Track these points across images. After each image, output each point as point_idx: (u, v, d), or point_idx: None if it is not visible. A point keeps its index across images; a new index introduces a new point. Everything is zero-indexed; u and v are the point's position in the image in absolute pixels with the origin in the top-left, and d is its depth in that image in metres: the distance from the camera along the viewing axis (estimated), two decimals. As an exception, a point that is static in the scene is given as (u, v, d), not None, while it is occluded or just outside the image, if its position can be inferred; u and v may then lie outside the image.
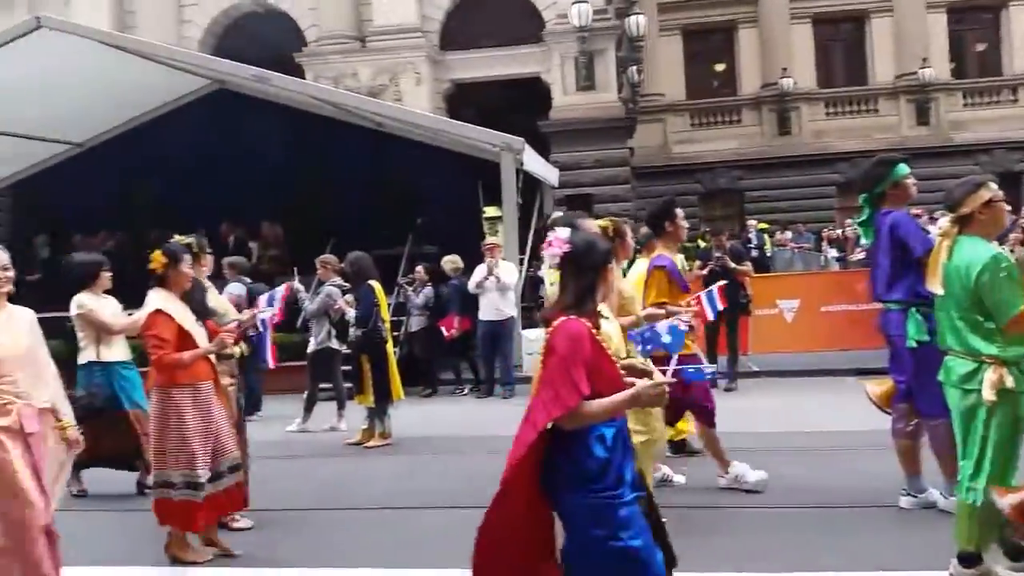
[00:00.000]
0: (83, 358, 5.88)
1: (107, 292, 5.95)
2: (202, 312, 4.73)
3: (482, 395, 10.13)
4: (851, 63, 23.24)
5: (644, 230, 5.86)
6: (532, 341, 10.97)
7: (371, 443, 7.46)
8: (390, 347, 7.78)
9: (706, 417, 5.28)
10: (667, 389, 2.59)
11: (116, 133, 14.88)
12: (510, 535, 2.66)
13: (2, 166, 15.00)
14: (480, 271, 9.87)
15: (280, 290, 6.03)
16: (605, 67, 17.79)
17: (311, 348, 8.45)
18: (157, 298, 4.48)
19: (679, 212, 5.36)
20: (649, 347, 2.99)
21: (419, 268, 10.56)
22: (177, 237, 4.68)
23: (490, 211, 12.57)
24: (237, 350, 5.04)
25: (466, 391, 10.49)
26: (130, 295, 5.66)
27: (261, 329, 5.76)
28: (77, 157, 15.20)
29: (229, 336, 4.70)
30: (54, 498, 3.63)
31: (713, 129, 22.73)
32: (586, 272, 2.67)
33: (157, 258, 4.48)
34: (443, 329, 10.08)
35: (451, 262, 10.46)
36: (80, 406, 5.12)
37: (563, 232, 2.72)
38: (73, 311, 5.83)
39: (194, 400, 4.43)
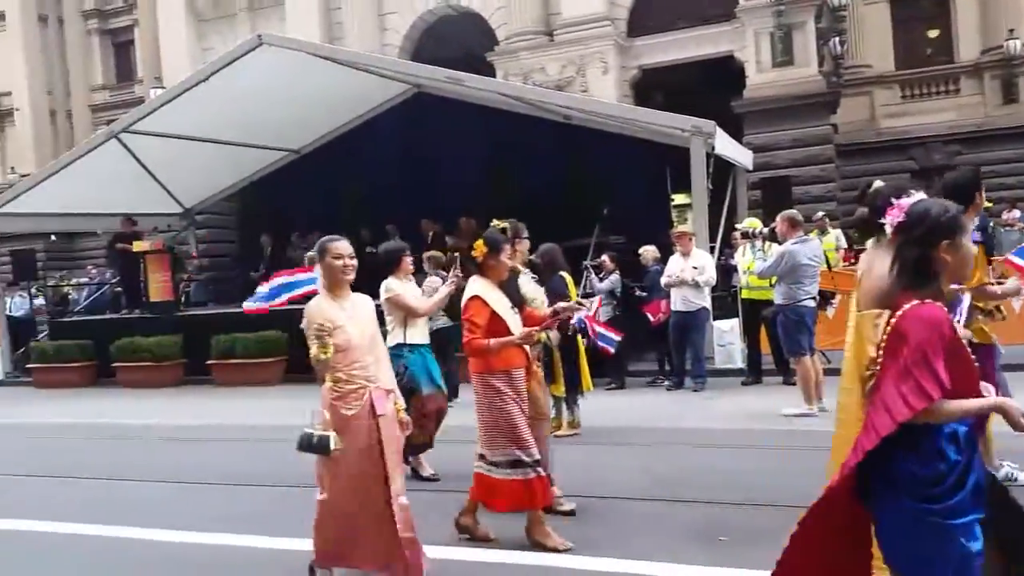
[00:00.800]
0: (391, 340, 5.97)
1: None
2: (517, 299, 4.72)
3: (672, 387, 9.97)
4: (1094, 16, 20.47)
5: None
6: (724, 332, 10.68)
7: (560, 432, 7.57)
8: (580, 337, 7.84)
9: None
10: None
11: (328, 139, 16.10)
12: (828, 538, 2.45)
13: (232, 173, 16.67)
14: (672, 265, 9.67)
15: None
16: (804, 40, 16.87)
17: (503, 338, 8.66)
18: (476, 285, 4.53)
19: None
20: None
21: (605, 256, 10.55)
22: (495, 222, 4.63)
23: (679, 198, 12.33)
24: (543, 336, 4.98)
25: (659, 380, 10.34)
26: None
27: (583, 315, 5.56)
28: (294, 162, 16.62)
29: (536, 331, 4.61)
30: (398, 476, 3.86)
31: (927, 101, 20.85)
32: (922, 245, 2.35)
33: (479, 247, 4.51)
34: (649, 315, 9.97)
35: (651, 251, 10.36)
36: (401, 387, 5.49)
37: (910, 198, 2.44)
38: (382, 295, 6.06)
39: (508, 385, 4.44)
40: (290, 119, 14.76)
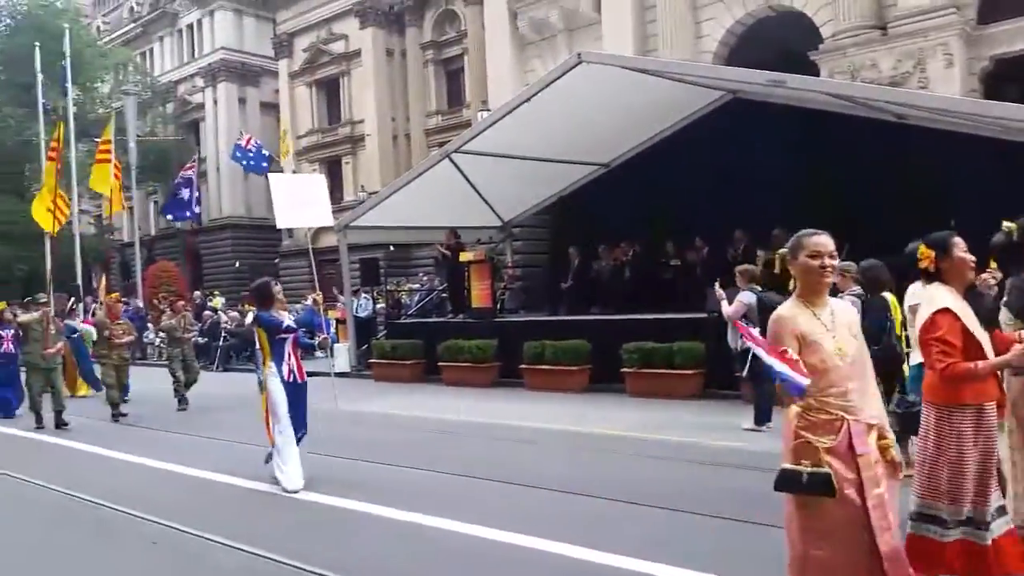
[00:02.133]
0: (916, 359, 5.30)
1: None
2: (991, 314, 3.87)
3: None
4: None
5: None
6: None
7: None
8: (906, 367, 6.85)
9: None
10: None
11: (637, 152, 16.19)
12: None
13: (546, 188, 17.43)
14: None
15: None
16: None
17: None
18: (941, 294, 3.60)
19: None
20: None
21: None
22: (1007, 224, 3.96)
23: (1040, 207, 10.47)
24: None
25: None
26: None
27: None
28: (603, 176, 16.96)
29: None
30: (887, 531, 3.06)
31: None
32: None
33: (923, 252, 3.74)
34: None
35: None
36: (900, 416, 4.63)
37: None
38: (907, 302, 5.55)
39: (976, 425, 3.47)
40: (600, 134, 15.05)
